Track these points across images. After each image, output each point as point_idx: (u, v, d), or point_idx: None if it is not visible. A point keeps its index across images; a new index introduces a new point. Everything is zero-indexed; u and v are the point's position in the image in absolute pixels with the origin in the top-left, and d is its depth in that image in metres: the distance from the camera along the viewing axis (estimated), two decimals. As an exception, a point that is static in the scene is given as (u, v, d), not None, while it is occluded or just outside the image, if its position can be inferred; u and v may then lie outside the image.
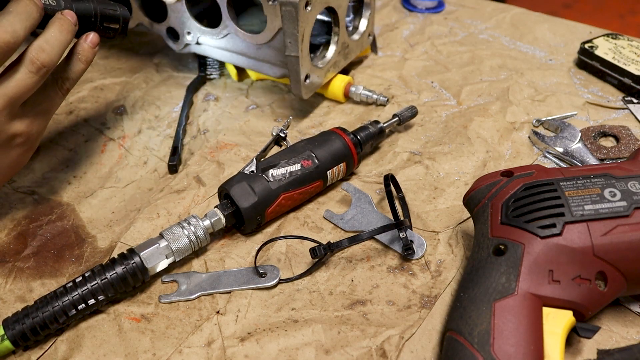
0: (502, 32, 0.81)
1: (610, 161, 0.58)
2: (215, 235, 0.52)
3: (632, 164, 0.43)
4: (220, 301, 0.46)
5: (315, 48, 0.66)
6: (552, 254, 0.39)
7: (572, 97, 0.67)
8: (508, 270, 0.39)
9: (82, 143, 0.64)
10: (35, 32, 0.48)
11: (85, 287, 0.43)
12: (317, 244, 0.47)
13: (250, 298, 0.46)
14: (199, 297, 0.46)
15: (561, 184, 0.41)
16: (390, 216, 0.50)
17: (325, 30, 0.67)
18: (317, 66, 0.63)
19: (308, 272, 0.48)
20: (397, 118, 0.61)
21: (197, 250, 0.50)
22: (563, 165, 0.58)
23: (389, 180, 0.49)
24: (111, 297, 0.44)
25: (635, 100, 0.66)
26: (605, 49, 0.70)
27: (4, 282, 0.48)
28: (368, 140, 0.57)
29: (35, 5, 0.45)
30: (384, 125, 0.59)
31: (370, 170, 0.58)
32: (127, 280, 0.44)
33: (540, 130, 0.62)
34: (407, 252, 0.47)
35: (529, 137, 0.62)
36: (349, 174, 0.57)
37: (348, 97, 0.68)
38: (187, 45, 0.69)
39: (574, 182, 0.41)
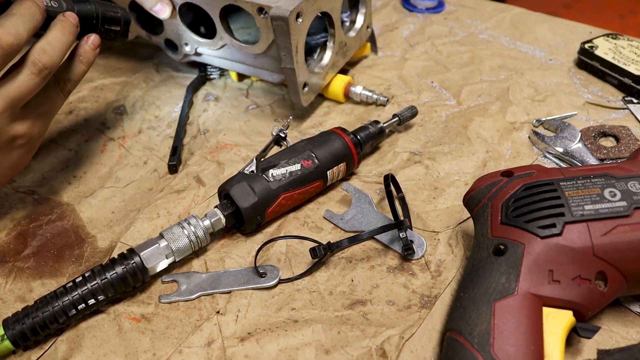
0: (502, 32, 0.81)
1: (610, 161, 0.58)
2: (215, 235, 0.52)
3: (632, 164, 0.43)
4: (220, 301, 0.46)
5: (313, 49, 0.66)
6: (552, 254, 0.39)
7: (572, 97, 0.67)
8: (508, 270, 0.39)
9: (82, 143, 0.64)
10: (38, 33, 0.48)
11: (85, 287, 0.43)
12: (317, 244, 0.47)
13: (250, 298, 0.46)
14: (199, 297, 0.46)
15: (561, 184, 0.41)
16: (390, 216, 0.50)
17: (323, 26, 0.66)
18: (314, 72, 0.62)
19: (308, 272, 0.48)
20: (397, 118, 0.61)
21: (197, 250, 0.50)
22: (563, 165, 0.58)
23: (389, 180, 0.49)
24: (111, 297, 0.44)
25: (635, 100, 0.66)
26: (605, 49, 0.70)
27: (4, 282, 0.48)
28: (368, 140, 0.57)
29: (38, 7, 0.45)
30: (384, 125, 0.59)
31: (370, 170, 0.58)
32: (127, 280, 0.44)
33: (540, 130, 0.62)
34: (407, 252, 0.47)
35: (529, 137, 0.62)
36: (349, 174, 0.57)
37: (348, 97, 0.68)
38: (186, 55, 0.69)
39: (574, 182, 0.41)
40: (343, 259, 0.49)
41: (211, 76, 0.73)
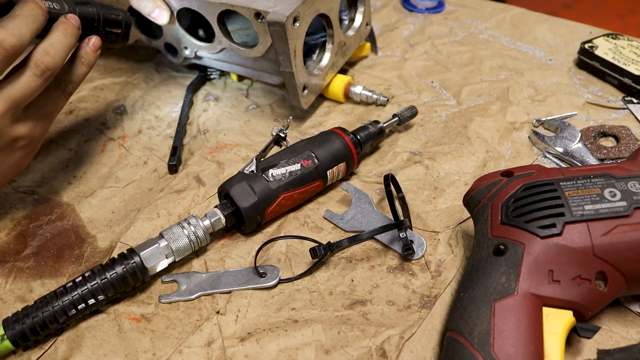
0: (502, 32, 0.81)
1: (610, 161, 0.58)
2: (215, 235, 0.52)
3: (632, 164, 0.43)
4: (220, 301, 0.46)
5: (312, 49, 0.66)
6: (552, 254, 0.39)
7: (572, 97, 0.67)
8: (508, 270, 0.39)
9: (82, 143, 0.64)
10: (39, 34, 0.48)
11: (85, 287, 0.43)
12: (317, 244, 0.47)
13: (250, 298, 0.46)
14: (199, 297, 0.46)
15: (561, 184, 0.41)
16: (390, 216, 0.50)
17: (321, 25, 0.66)
18: (314, 74, 0.62)
19: (308, 272, 0.48)
20: (397, 118, 0.61)
21: (197, 250, 0.50)
22: (563, 165, 0.58)
23: (389, 180, 0.49)
24: (111, 297, 0.44)
25: (635, 100, 0.66)
26: (605, 49, 0.70)
27: (4, 282, 0.48)
28: (368, 140, 0.57)
29: (41, 9, 0.45)
30: (384, 125, 0.59)
31: (370, 170, 0.58)
32: (127, 280, 0.44)
33: (540, 130, 0.62)
34: (407, 252, 0.47)
35: (529, 137, 0.62)
36: (349, 174, 0.57)
37: (348, 97, 0.68)
38: (186, 58, 0.69)
39: (574, 182, 0.41)
40: (343, 259, 0.49)
41: (211, 76, 0.73)
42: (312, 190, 0.53)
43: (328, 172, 0.53)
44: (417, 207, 0.54)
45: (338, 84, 0.67)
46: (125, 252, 0.45)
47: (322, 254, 0.46)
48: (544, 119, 0.63)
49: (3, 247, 0.52)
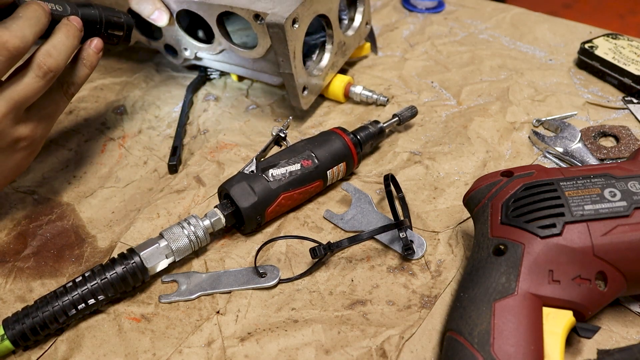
0: (502, 32, 0.81)
1: (610, 161, 0.58)
2: (215, 235, 0.52)
3: (632, 164, 0.43)
4: (220, 301, 0.46)
5: (312, 49, 0.66)
6: (552, 254, 0.39)
7: (572, 97, 0.67)
8: (508, 270, 0.39)
9: (82, 143, 0.64)
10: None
11: (85, 287, 0.43)
12: (317, 244, 0.47)
13: (250, 298, 0.46)
14: (199, 297, 0.46)
15: (561, 184, 0.41)
16: (390, 216, 0.50)
17: (322, 25, 0.66)
18: (313, 74, 0.62)
19: (308, 272, 0.48)
20: (397, 118, 0.61)
21: (197, 250, 0.50)
22: (563, 165, 0.58)
23: (389, 180, 0.49)
24: (111, 297, 0.44)
25: (635, 100, 0.66)
26: (605, 49, 0.70)
27: (4, 282, 0.48)
28: (368, 140, 0.57)
29: (44, 11, 0.45)
30: (384, 125, 0.59)
31: (370, 170, 0.58)
32: (127, 280, 0.44)
33: (540, 130, 0.62)
34: (407, 252, 0.47)
35: (529, 137, 0.62)
36: (349, 174, 0.57)
37: (348, 97, 0.68)
38: (186, 59, 0.69)
39: (574, 182, 0.41)
40: (343, 259, 0.49)
41: (211, 76, 0.73)
42: (312, 190, 0.53)
43: (328, 172, 0.53)
44: (417, 207, 0.54)
45: (338, 84, 0.67)
46: (125, 252, 0.45)
47: (322, 254, 0.46)
48: (544, 119, 0.63)
49: (3, 247, 0.52)
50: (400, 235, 0.47)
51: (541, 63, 0.74)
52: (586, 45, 0.71)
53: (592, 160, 0.57)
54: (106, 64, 0.77)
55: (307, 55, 0.65)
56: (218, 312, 0.45)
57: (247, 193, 0.49)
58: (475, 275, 0.40)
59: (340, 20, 0.68)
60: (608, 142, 0.61)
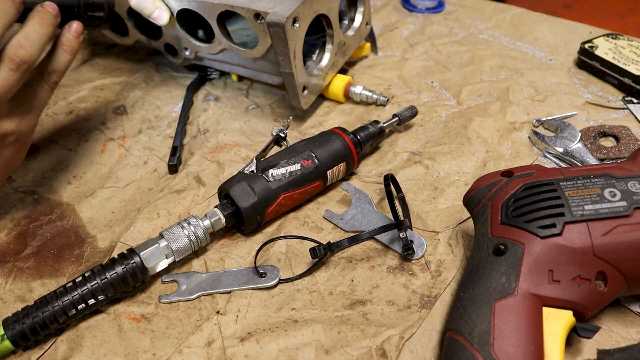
0: (502, 32, 0.81)
1: (610, 161, 0.58)
2: (215, 235, 0.52)
3: (632, 164, 0.43)
4: (220, 301, 0.46)
5: (312, 48, 0.66)
6: (552, 254, 0.39)
7: (572, 97, 0.67)
8: (508, 270, 0.39)
9: (82, 143, 0.64)
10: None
11: (85, 287, 0.43)
12: (317, 244, 0.47)
13: (250, 298, 0.46)
14: (199, 297, 0.46)
15: (561, 184, 0.41)
16: (390, 216, 0.50)
17: (321, 24, 0.66)
18: (313, 74, 0.62)
19: (308, 272, 0.48)
20: (397, 118, 0.61)
21: (197, 250, 0.50)
22: (563, 165, 0.58)
23: (389, 180, 0.49)
24: (111, 297, 0.44)
25: (635, 100, 0.66)
26: (605, 49, 0.70)
27: (4, 282, 0.48)
28: (368, 140, 0.57)
29: (12, 2, 0.43)
30: (384, 125, 0.59)
31: (370, 170, 0.58)
32: (127, 280, 0.44)
33: (540, 130, 0.62)
34: (407, 252, 0.47)
35: (529, 137, 0.62)
36: (349, 174, 0.57)
37: (348, 97, 0.68)
38: (186, 59, 0.69)
39: (574, 182, 0.41)
40: (343, 259, 0.49)
41: (211, 76, 0.73)
42: (312, 190, 0.53)
43: (328, 172, 0.53)
44: (417, 207, 0.54)
45: (338, 84, 0.67)
46: (125, 252, 0.45)
47: (322, 254, 0.46)
48: (544, 119, 0.63)
49: (3, 247, 0.52)
50: (400, 235, 0.47)
51: (541, 63, 0.74)
52: (586, 45, 0.71)
53: (592, 160, 0.57)
54: (106, 64, 0.77)
55: (307, 55, 0.65)
56: (218, 312, 0.45)
57: (247, 193, 0.49)
58: (475, 275, 0.40)
59: (341, 20, 0.68)
60: (608, 142, 0.61)
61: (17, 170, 0.60)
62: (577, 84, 0.70)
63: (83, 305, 0.43)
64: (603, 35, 0.73)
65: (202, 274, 0.48)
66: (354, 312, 0.45)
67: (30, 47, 0.44)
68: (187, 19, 0.65)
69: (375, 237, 0.50)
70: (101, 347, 0.43)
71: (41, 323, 0.42)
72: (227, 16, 0.60)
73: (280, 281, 0.47)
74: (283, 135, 0.53)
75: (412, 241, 0.48)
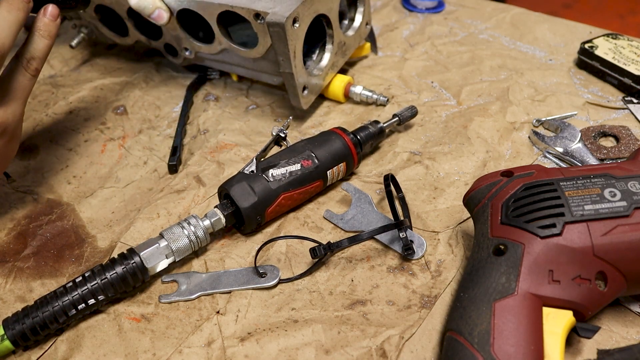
0: (502, 32, 0.81)
1: (610, 161, 0.58)
2: (215, 235, 0.52)
3: (632, 164, 0.43)
4: (220, 301, 0.46)
5: (312, 49, 0.66)
6: (552, 254, 0.39)
7: (572, 97, 0.67)
8: (508, 270, 0.39)
9: (82, 143, 0.64)
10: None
11: (85, 287, 0.43)
12: (317, 244, 0.47)
13: (250, 298, 0.46)
14: (199, 297, 0.46)
15: (561, 184, 0.41)
16: (390, 216, 0.50)
17: (322, 29, 0.66)
18: (314, 74, 0.62)
19: (308, 272, 0.48)
20: (397, 118, 0.61)
21: (197, 250, 0.50)
22: (563, 165, 0.58)
23: (389, 180, 0.49)
24: (111, 297, 0.44)
25: (635, 100, 0.66)
26: (605, 49, 0.70)
27: (4, 282, 0.48)
28: (368, 140, 0.57)
29: None
30: (384, 125, 0.59)
31: (370, 170, 0.58)
32: (127, 280, 0.44)
33: (540, 130, 0.62)
34: (407, 252, 0.47)
35: (529, 137, 0.62)
36: (349, 174, 0.57)
37: (348, 97, 0.68)
38: (186, 59, 0.69)
39: (574, 182, 0.41)
40: (343, 259, 0.49)
41: (211, 76, 0.73)
42: (312, 190, 0.53)
43: (328, 172, 0.53)
44: (417, 207, 0.54)
45: (338, 84, 0.67)
46: (125, 252, 0.45)
47: (322, 254, 0.46)
48: (544, 119, 0.63)
49: (3, 247, 0.52)
50: (400, 235, 0.47)
51: (541, 63, 0.74)
52: (586, 45, 0.71)
53: (592, 160, 0.57)
54: (106, 64, 0.77)
55: (307, 55, 0.65)
56: (218, 312, 0.45)
57: (247, 193, 0.49)
58: (475, 275, 0.40)
59: (341, 20, 0.68)
60: (608, 142, 0.61)
61: (17, 170, 0.60)
62: (577, 84, 0.70)
63: (83, 305, 0.43)
64: (603, 35, 0.73)
65: (202, 274, 0.48)
66: (354, 312, 0.45)
67: (1, 35, 0.43)
68: (187, 19, 0.65)
69: (375, 237, 0.50)
70: (101, 347, 0.43)
71: (41, 323, 0.42)
72: (227, 17, 0.60)
73: (280, 281, 0.47)
74: (283, 135, 0.53)
75: (412, 241, 0.48)
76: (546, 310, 0.38)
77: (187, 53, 0.68)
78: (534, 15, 0.85)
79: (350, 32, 0.69)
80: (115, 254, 0.50)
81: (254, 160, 0.51)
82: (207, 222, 0.48)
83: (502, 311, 0.37)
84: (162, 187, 0.57)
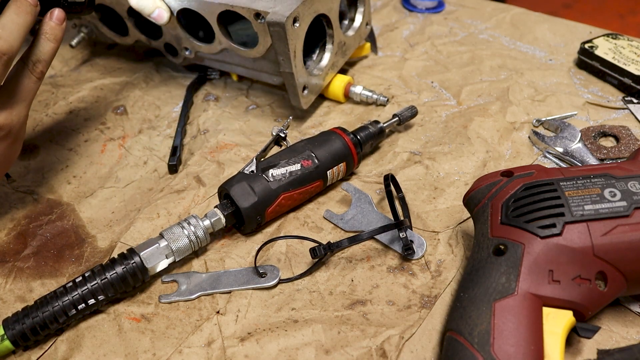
0: (502, 32, 0.81)
1: (610, 161, 0.58)
2: (215, 235, 0.52)
3: (632, 164, 0.43)
4: (220, 301, 0.46)
5: (312, 49, 0.66)
6: (552, 254, 0.39)
7: (572, 97, 0.67)
8: (508, 270, 0.39)
9: (82, 143, 0.64)
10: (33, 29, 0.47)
11: (85, 287, 0.43)
12: (317, 244, 0.47)
13: (250, 298, 0.46)
14: (199, 297, 0.46)
15: (561, 184, 0.41)
16: (390, 216, 0.50)
17: (321, 24, 0.66)
18: (314, 74, 0.62)
19: (308, 272, 0.48)
20: (397, 118, 0.61)
21: (197, 250, 0.50)
22: (563, 165, 0.58)
23: (389, 180, 0.49)
24: (111, 297, 0.44)
25: (635, 100, 0.66)
26: (605, 49, 0.70)
27: (4, 282, 0.48)
28: (368, 140, 0.57)
29: None
30: (384, 125, 0.59)
31: (370, 170, 0.58)
32: (127, 280, 0.44)
33: (540, 130, 0.62)
34: (407, 252, 0.47)
35: (529, 137, 0.62)
36: (349, 174, 0.57)
37: (348, 97, 0.68)
38: (186, 59, 0.69)
39: (574, 182, 0.41)
40: (343, 259, 0.49)
41: (211, 76, 0.73)
42: (312, 190, 0.53)
43: (328, 172, 0.53)
44: (417, 207, 0.54)
45: (338, 84, 0.67)
46: (125, 252, 0.45)
47: (322, 254, 0.46)
48: (544, 119, 0.63)
49: (3, 247, 0.52)
50: (400, 235, 0.47)
51: (541, 63, 0.74)
52: (586, 45, 0.71)
53: (592, 160, 0.57)
54: (106, 64, 0.77)
55: (307, 55, 0.65)
56: (218, 312, 0.45)
57: (247, 193, 0.49)
58: (475, 275, 0.40)
59: (341, 20, 0.68)
60: (608, 142, 0.61)
61: (17, 170, 0.60)
62: (577, 84, 0.70)
63: (83, 305, 0.43)
64: (603, 35, 0.73)
65: (202, 274, 0.48)
66: (354, 312, 0.45)
67: (9, 37, 0.44)
68: (187, 19, 0.65)
69: (375, 237, 0.50)
70: (101, 347, 0.43)
71: (41, 323, 0.42)
72: (227, 16, 0.60)
73: (280, 281, 0.47)
74: (283, 135, 0.53)
75: (412, 241, 0.48)
76: (546, 310, 0.38)
77: (187, 53, 0.68)
78: (534, 15, 0.85)
79: (350, 32, 0.69)
80: (115, 254, 0.50)
81: (254, 160, 0.51)
82: (207, 222, 0.48)
83: (502, 311, 0.37)
84: (162, 187, 0.57)
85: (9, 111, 0.46)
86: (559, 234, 0.39)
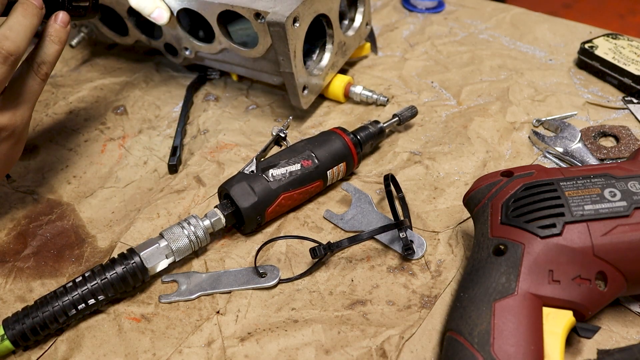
0: (502, 32, 0.81)
1: (610, 161, 0.58)
2: (215, 235, 0.52)
3: (632, 164, 0.43)
4: (220, 301, 0.46)
5: (312, 49, 0.66)
6: (552, 254, 0.39)
7: (572, 97, 0.67)
8: (508, 270, 0.39)
9: (82, 143, 0.64)
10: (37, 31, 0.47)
11: (85, 287, 0.43)
12: (317, 244, 0.47)
13: (250, 298, 0.46)
14: (199, 297, 0.46)
15: (561, 184, 0.41)
16: (390, 216, 0.50)
17: (321, 24, 0.66)
18: (314, 74, 0.62)
19: (308, 272, 0.48)
20: (397, 118, 0.61)
21: (197, 250, 0.50)
22: (563, 165, 0.58)
23: (389, 180, 0.49)
24: (111, 297, 0.44)
25: (635, 100, 0.66)
26: (605, 49, 0.70)
27: (4, 282, 0.48)
28: (368, 140, 0.57)
29: None
30: (384, 125, 0.59)
31: (370, 170, 0.58)
32: (127, 280, 0.44)
33: (540, 130, 0.62)
34: (407, 252, 0.47)
35: (529, 137, 0.62)
36: (349, 174, 0.57)
37: (348, 97, 0.68)
38: (186, 59, 0.69)
39: (574, 182, 0.41)
40: (343, 259, 0.49)
41: (211, 76, 0.73)
42: (312, 190, 0.53)
43: (328, 172, 0.53)
44: (417, 207, 0.54)
45: (338, 84, 0.67)
46: (125, 252, 0.45)
47: (322, 254, 0.46)
48: (544, 119, 0.63)
49: (3, 247, 0.52)
50: (400, 235, 0.47)
51: (541, 63, 0.74)
52: (586, 45, 0.71)
53: (592, 160, 0.57)
54: (106, 64, 0.77)
55: (307, 55, 0.65)
56: (218, 312, 0.45)
57: (247, 193, 0.49)
58: (475, 275, 0.40)
59: (341, 20, 0.68)
60: (608, 142, 0.61)
61: (17, 170, 0.60)
62: (577, 84, 0.70)
63: (83, 305, 0.43)
64: (603, 35, 0.73)
65: (202, 274, 0.48)
66: (354, 312, 0.45)
67: (16, 38, 0.44)
68: (188, 19, 0.65)
69: (375, 237, 0.50)
70: (101, 347, 0.43)
71: (41, 323, 0.42)
72: (227, 16, 0.60)
73: (280, 281, 0.47)
74: (283, 135, 0.53)
75: (412, 241, 0.48)
76: (546, 310, 0.38)
77: (187, 52, 0.68)
78: (534, 15, 0.85)
79: (350, 32, 0.69)
80: (115, 254, 0.50)
81: (254, 160, 0.51)
82: (207, 222, 0.48)
83: (502, 311, 0.37)
84: (162, 187, 0.57)
85: (12, 112, 0.47)
86: (559, 234, 0.39)
